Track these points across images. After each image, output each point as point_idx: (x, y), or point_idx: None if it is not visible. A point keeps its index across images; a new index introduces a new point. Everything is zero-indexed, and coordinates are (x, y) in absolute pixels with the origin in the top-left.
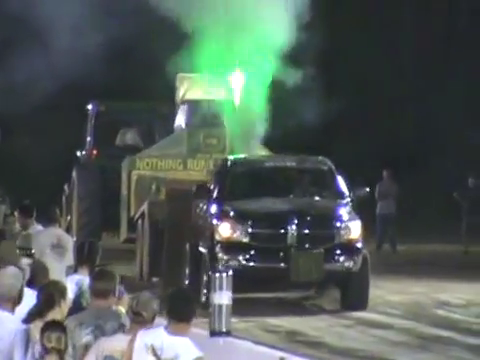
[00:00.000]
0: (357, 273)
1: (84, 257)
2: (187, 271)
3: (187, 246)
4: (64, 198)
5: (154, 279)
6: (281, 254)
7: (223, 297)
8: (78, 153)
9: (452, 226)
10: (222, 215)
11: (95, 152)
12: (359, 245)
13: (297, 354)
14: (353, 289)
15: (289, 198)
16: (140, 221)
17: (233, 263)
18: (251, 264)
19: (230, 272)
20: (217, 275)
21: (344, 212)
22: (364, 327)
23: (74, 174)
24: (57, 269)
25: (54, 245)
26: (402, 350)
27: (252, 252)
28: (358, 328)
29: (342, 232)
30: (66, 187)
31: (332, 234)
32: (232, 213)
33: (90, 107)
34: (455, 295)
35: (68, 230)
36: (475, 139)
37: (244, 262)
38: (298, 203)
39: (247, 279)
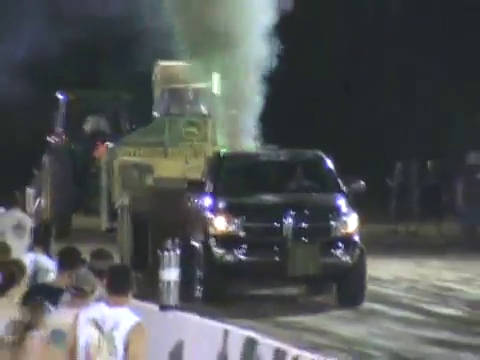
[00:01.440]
0: (354, 267)
1: (40, 238)
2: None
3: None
4: (34, 181)
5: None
6: (277, 248)
7: (171, 274)
8: (48, 139)
9: (383, 208)
10: (217, 209)
11: (65, 137)
12: (356, 238)
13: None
14: (350, 283)
15: (284, 192)
16: (120, 212)
17: (228, 257)
18: (246, 258)
19: (178, 251)
20: (166, 254)
21: (340, 205)
22: (302, 299)
23: (45, 158)
24: (18, 248)
25: (15, 226)
26: (339, 322)
27: (247, 246)
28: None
29: (339, 226)
30: (36, 171)
31: (328, 228)
32: (227, 207)
33: (60, 96)
34: (386, 271)
35: (38, 210)
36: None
37: (239, 256)
38: (294, 196)
39: (243, 273)
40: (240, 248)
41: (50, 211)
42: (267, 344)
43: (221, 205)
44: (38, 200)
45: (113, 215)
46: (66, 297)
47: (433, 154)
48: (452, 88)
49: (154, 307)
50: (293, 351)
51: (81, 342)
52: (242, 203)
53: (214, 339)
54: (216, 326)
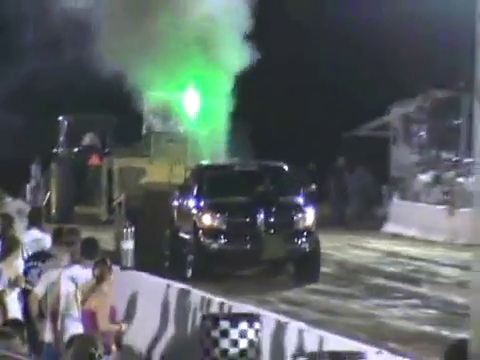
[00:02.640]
0: (311, 252)
1: (34, 219)
2: (167, 253)
3: (167, 233)
4: (43, 180)
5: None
6: (251, 238)
7: (128, 244)
8: (55, 150)
9: None
10: (203, 208)
11: (67, 149)
12: (312, 230)
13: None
14: (307, 265)
15: (255, 194)
16: (117, 207)
17: (214, 245)
18: (228, 246)
19: (133, 228)
20: (125, 230)
21: (300, 204)
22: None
23: (52, 164)
24: (19, 227)
25: (17, 211)
26: (281, 288)
27: (228, 237)
28: None
29: (299, 220)
30: (45, 173)
31: (291, 222)
32: (211, 206)
33: (61, 118)
34: None
35: (48, 201)
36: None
37: (222, 245)
38: (263, 198)
39: (225, 258)
40: (222, 238)
41: (56, 203)
42: (196, 293)
43: (206, 204)
44: (48, 194)
45: (111, 209)
46: (53, 260)
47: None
48: None
49: (117, 268)
50: (216, 299)
51: (63, 291)
52: (223, 203)
53: (159, 290)
54: (160, 281)
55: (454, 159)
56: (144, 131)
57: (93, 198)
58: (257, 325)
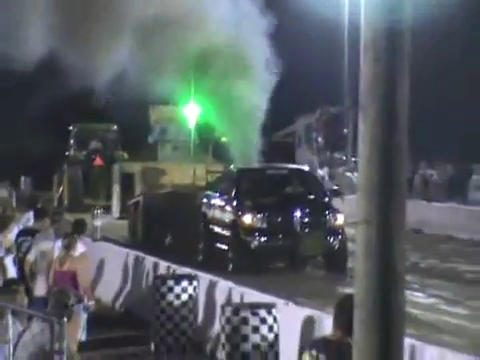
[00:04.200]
0: (340, 248)
1: (31, 203)
2: (201, 246)
3: (200, 230)
4: (57, 177)
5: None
6: (290, 236)
7: (98, 222)
8: (67, 153)
9: None
10: (243, 208)
11: (76, 153)
12: (341, 230)
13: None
14: (337, 260)
15: (288, 195)
16: (134, 206)
17: (254, 243)
18: (268, 244)
19: (102, 210)
20: (96, 211)
21: (331, 205)
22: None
23: (64, 165)
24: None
25: None
26: (300, 280)
27: (268, 235)
28: None
29: (332, 219)
30: (58, 172)
31: (325, 221)
32: (251, 207)
33: (71, 127)
34: None
35: (60, 196)
36: None
37: (263, 242)
38: (298, 199)
39: (265, 255)
40: (262, 236)
41: (68, 196)
42: (149, 259)
43: (246, 205)
44: (60, 188)
45: (124, 209)
46: (42, 234)
47: None
48: None
49: (89, 240)
50: (164, 263)
51: (54, 258)
52: (262, 203)
53: (121, 257)
54: (122, 250)
55: (343, 158)
56: (151, 139)
57: (98, 192)
58: (195, 283)
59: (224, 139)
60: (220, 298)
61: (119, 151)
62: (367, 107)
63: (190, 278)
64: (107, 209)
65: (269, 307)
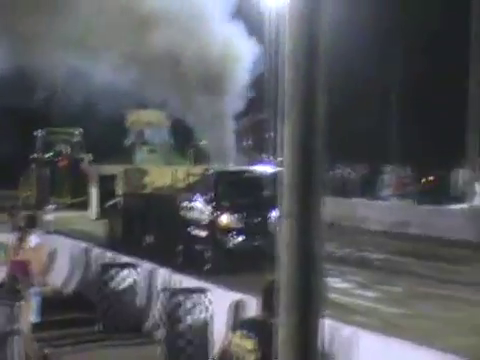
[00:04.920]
0: None
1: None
2: (180, 248)
3: (179, 232)
4: (23, 178)
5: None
6: (266, 236)
7: (49, 217)
8: (34, 155)
9: None
10: (220, 209)
11: (42, 154)
12: None
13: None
14: None
15: (266, 196)
16: (112, 207)
17: (231, 243)
18: (245, 244)
19: (55, 205)
20: (48, 207)
21: None
22: None
23: (32, 165)
24: None
25: None
26: None
27: (245, 235)
28: None
29: None
30: (25, 173)
31: None
32: (228, 207)
33: (38, 132)
34: None
35: (28, 197)
36: None
37: (239, 242)
38: (272, 200)
39: (242, 255)
40: (239, 236)
41: (36, 194)
42: (96, 250)
43: (224, 206)
44: (28, 191)
45: (102, 210)
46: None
47: None
48: None
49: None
50: (109, 254)
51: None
52: (239, 204)
53: (70, 247)
54: (71, 241)
55: (270, 158)
56: (127, 142)
57: (63, 191)
58: (136, 271)
59: (203, 142)
60: (159, 284)
61: (83, 153)
62: (289, 111)
63: (132, 266)
64: (72, 206)
65: (202, 292)
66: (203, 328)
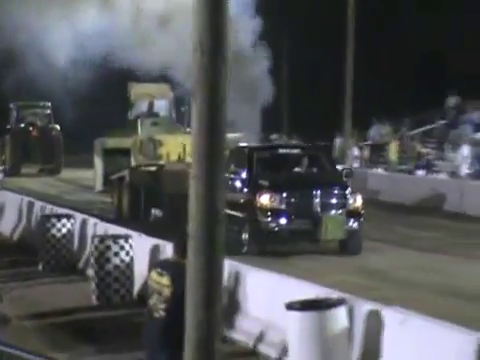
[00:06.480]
0: (358, 230)
1: None
2: None
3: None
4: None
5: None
6: (310, 218)
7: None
8: (8, 126)
9: None
10: (260, 188)
11: (16, 125)
12: (362, 211)
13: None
14: (355, 241)
15: (306, 174)
16: (118, 180)
17: (272, 225)
18: (287, 226)
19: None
20: None
21: (349, 186)
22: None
23: (6, 135)
24: None
25: None
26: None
27: (287, 216)
28: None
29: (351, 201)
30: (0, 141)
31: (345, 203)
32: (269, 186)
33: (12, 105)
34: None
35: (3, 161)
36: None
37: (281, 224)
38: (316, 178)
39: (283, 237)
40: (281, 218)
41: (10, 160)
42: (38, 202)
43: (262, 185)
44: (3, 157)
45: (106, 182)
46: None
47: None
48: None
49: None
50: (49, 205)
51: None
52: (280, 183)
53: (18, 202)
54: (18, 196)
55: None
56: (131, 116)
57: (35, 157)
58: (72, 220)
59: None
60: (90, 231)
61: (52, 124)
62: (196, 91)
63: (68, 216)
64: (46, 171)
65: (126, 237)
66: (126, 268)
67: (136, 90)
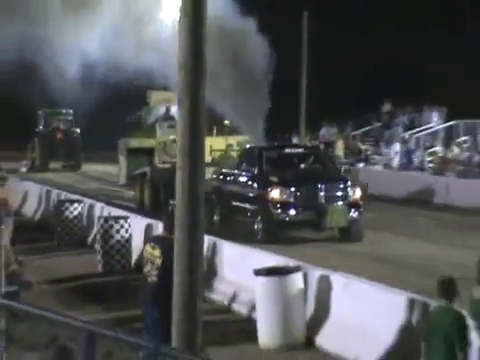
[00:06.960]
0: (358, 219)
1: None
2: (216, 218)
3: (216, 203)
4: (30, 146)
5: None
6: (315, 209)
7: (24, 169)
8: (37, 130)
9: None
10: (271, 183)
11: (44, 128)
12: (361, 203)
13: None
14: (355, 229)
15: (310, 171)
16: (140, 176)
17: (283, 216)
18: (295, 216)
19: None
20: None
21: (349, 180)
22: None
23: (36, 138)
24: None
25: None
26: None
27: (295, 208)
28: None
29: (351, 194)
30: (31, 142)
31: (346, 195)
32: (279, 182)
33: (40, 112)
34: None
35: (34, 159)
36: None
37: (291, 215)
38: (320, 174)
39: (293, 226)
40: (290, 209)
41: (39, 159)
42: (55, 190)
43: (272, 181)
44: (33, 154)
45: (129, 177)
46: None
47: None
48: None
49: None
50: (63, 193)
51: None
52: (288, 178)
53: (38, 190)
54: (39, 185)
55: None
56: (151, 120)
57: (60, 156)
58: (82, 204)
59: (226, 122)
60: (97, 213)
61: (73, 128)
62: (181, 100)
63: (79, 201)
64: (68, 167)
65: (126, 218)
66: (126, 242)
67: (155, 97)
